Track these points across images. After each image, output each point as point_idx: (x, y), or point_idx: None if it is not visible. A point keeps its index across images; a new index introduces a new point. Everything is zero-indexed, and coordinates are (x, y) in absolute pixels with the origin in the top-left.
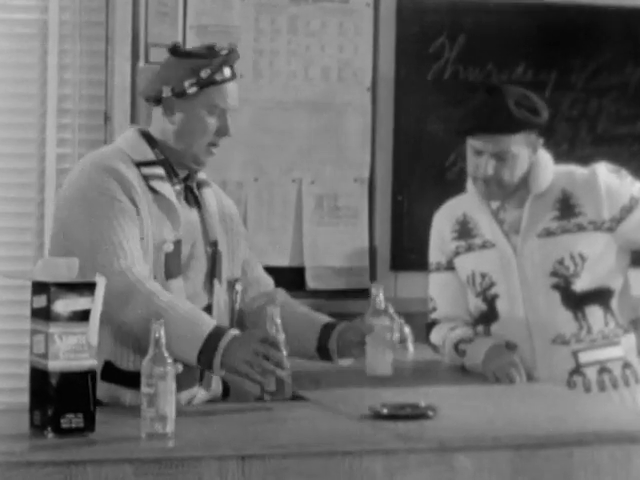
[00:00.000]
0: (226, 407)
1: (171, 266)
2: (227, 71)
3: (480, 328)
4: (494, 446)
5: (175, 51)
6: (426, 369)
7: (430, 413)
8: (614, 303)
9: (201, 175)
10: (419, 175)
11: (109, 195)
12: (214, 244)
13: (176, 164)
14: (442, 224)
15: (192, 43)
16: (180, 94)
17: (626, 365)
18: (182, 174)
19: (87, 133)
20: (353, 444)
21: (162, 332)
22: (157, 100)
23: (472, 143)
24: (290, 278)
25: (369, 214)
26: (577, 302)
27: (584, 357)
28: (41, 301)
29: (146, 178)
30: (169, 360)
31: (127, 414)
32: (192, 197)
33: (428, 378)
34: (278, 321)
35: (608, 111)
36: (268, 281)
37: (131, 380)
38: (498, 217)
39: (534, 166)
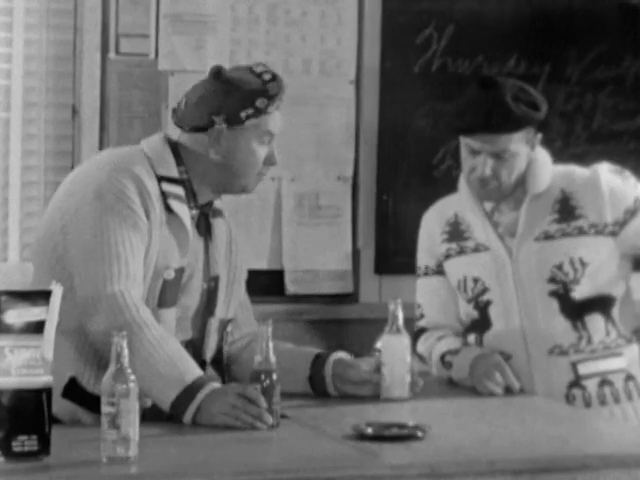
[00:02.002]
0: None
1: (167, 295)
2: (281, 99)
3: (471, 337)
4: (490, 471)
5: (219, 76)
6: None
7: (419, 434)
8: (615, 311)
9: (217, 203)
10: (405, 173)
11: (126, 203)
12: (214, 279)
13: (199, 187)
14: (431, 225)
15: (165, 32)
16: (236, 124)
17: (629, 377)
18: (202, 199)
19: (54, 128)
20: (334, 470)
21: (124, 345)
22: (205, 130)
23: (468, 142)
24: (268, 282)
25: (352, 214)
26: (576, 310)
27: (584, 369)
28: None
29: (165, 195)
30: (132, 377)
31: (87, 435)
32: (204, 225)
33: (416, 391)
34: (270, 344)
35: (605, 106)
36: (255, 325)
37: (93, 403)
38: (492, 219)
39: (532, 165)
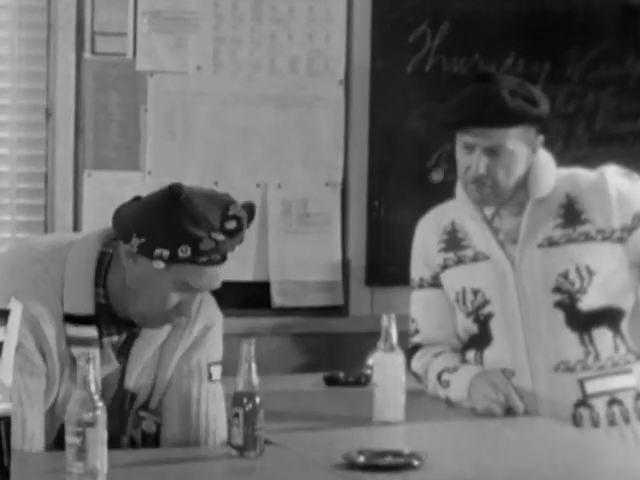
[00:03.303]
0: (172, 454)
1: None
2: (216, 257)
3: (470, 354)
4: None
5: (174, 194)
6: (409, 401)
7: (416, 462)
8: (625, 326)
9: None
10: (398, 178)
11: (17, 349)
12: (131, 397)
13: (122, 312)
14: (427, 234)
15: (144, 30)
16: (147, 256)
17: (639, 396)
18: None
19: (27, 131)
20: None
21: (91, 370)
22: (123, 243)
23: (462, 138)
24: (253, 294)
25: (342, 222)
26: (584, 323)
27: (591, 387)
28: None
29: (69, 341)
30: (99, 404)
31: (51, 465)
32: (130, 342)
33: (411, 413)
34: (253, 365)
35: (607, 107)
36: None
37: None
38: (492, 225)
39: (534, 168)
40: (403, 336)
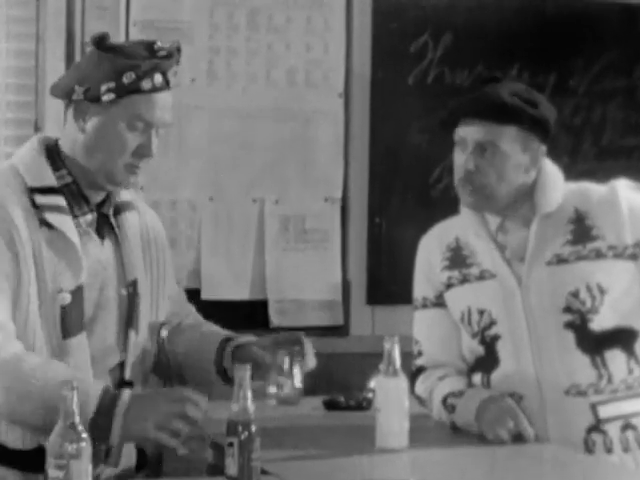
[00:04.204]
0: None
1: (69, 321)
2: (158, 78)
3: (477, 377)
4: None
5: (100, 43)
6: (413, 427)
7: None
8: (638, 347)
9: (123, 195)
10: (399, 193)
11: None
12: (132, 284)
13: (87, 185)
14: (430, 251)
15: None
16: (94, 99)
17: None
18: (96, 198)
19: (15, 145)
20: None
21: (74, 399)
22: (68, 100)
23: (456, 134)
24: (251, 314)
25: (342, 239)
26: (595, 344)
27: (604, 411)
28: None
29: (40, 209)
30: (84, 435)
31: None
32: (107, 228)
33: (415, 439)
34: (248, 391)
35: (614, 119)
36: (189, 309)
37: (19, 460)
38: (498, 241)
39: (541, 180)
40: (406, 357)
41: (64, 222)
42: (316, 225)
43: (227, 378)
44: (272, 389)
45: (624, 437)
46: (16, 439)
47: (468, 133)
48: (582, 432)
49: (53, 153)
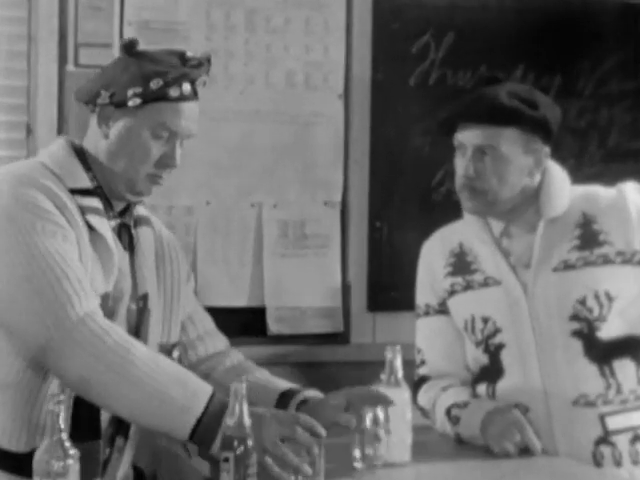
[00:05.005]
0: None
1: None
2: (186, 87)
3: (482, 387)
4: None
5: (128, 49)
6: (416, 439)
7: None
8: None
9: (140, 210)
10: (401, 197)
11: (45, 217)
12: (143, 299)
13: (111, 193)
14: (433, 256)
15: None
16: (120, 104)
17: None
18: (117, 206)
19: (7, 149)
20: None
21: (61, 413)
22: (93, 105)
23: (455, 139)
24: (248, 321)
25: (342, 244)
26: (604, 353)
27: (613, 422)
28: None
29: (82, 210)
30: (71, 451)
31: None
32: (127, 237)
33: (418, 452)
34: (245, 405)
35: (621, 122)
36: (219, 338)
37: (12, 462)
38: (502, 247)
39: (546, 184)
40: (408, 365)
41: (102, 224)
42: (315, 230)
43: None
44: (357, 453)
45: (634, 450)
46: (10, 441)
47: (467, 138)
48: (590, 444)
49: (81, 155)
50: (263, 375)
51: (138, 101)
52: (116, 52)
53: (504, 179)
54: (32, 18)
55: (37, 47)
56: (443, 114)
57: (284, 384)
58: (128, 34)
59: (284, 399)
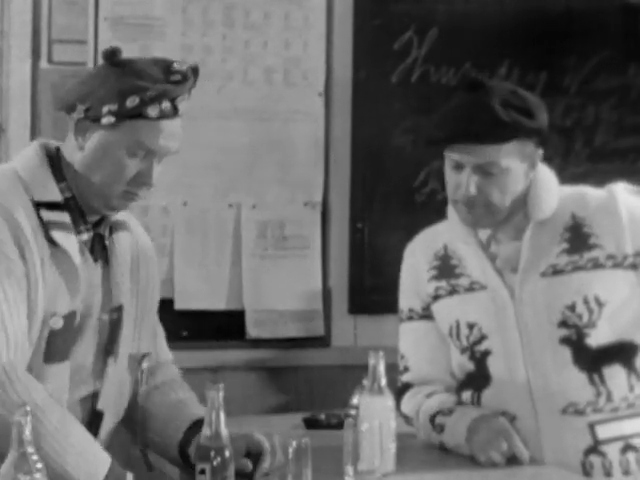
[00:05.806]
0: None
1: (56, 347)
2: (166, 105)
3: (467, 395)
4: None
5: (110, 58)
6: (399, 447)
7: None
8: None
9: (117, 215)
10: (383, 198)
11: None
12: (117, 310)
13: (85, 204)
14: (416, 259)
15: (105, 38)
16: (95, 119)
17: None
18: (92, 217)
19: None
20: None
21: (27, 426)
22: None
23: (449, 155)
24: (226, 325)
25: (322, 245)
26: (593, 361)
27: (603, 431)
28: None
29: (45, 225)
30: (38, 465)
31: None
32: (99, 248)
33: (402, 462)
34: (222, 414)
35: (608, 120)
36: (163, 350)
37: None
38: (489, 251)
39: (534, 186)
40: (391, 370)
41: (68, 241)
42: (295, 231)
43: (187, 462)
44: (349, 470)
45: (624, 459)
46: None
47: (465, 158)
48: (579, 454)
49: (55, 163)
50: (185, 397)
51: (112, 119)
52: (91, 48)
53: (505, 189)
54: (4, 13)
55: (9, 43)
56: (438, 134)
57: (199, 412)
58: (103, 29)
59: (195, 428)
